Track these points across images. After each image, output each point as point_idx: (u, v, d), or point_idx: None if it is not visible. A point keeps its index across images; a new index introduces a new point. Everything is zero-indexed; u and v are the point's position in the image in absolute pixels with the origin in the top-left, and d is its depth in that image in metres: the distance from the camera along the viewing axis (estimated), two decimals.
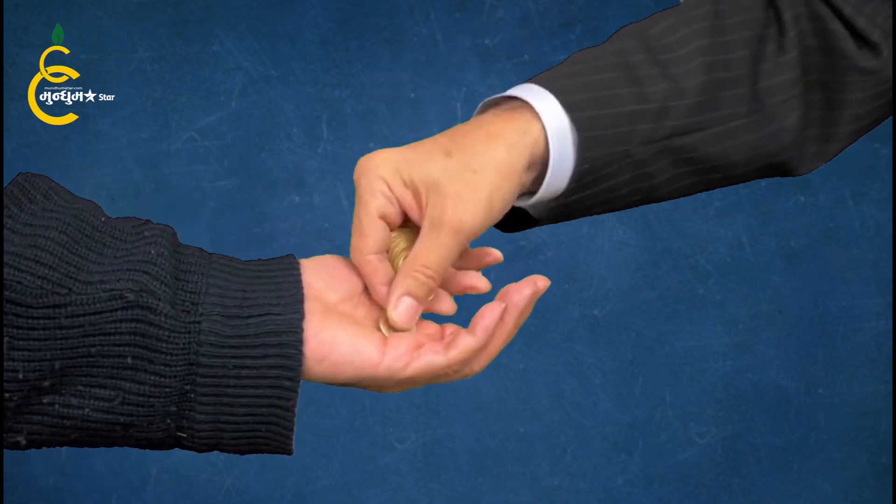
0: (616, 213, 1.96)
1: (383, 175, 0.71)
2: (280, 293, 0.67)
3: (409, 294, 0.71)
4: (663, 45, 0.81)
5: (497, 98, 0.78)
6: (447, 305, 0.74)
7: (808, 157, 0.86)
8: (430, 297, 0.72)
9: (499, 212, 0.73)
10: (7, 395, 0.62)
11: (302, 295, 0.68)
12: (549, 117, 0.75)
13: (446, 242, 0.71)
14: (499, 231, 0.84)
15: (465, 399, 1.94)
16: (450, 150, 0.72)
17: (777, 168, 0.86)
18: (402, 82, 1.91)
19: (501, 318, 0.69)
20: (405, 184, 0.71)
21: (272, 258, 0.71)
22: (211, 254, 0.69)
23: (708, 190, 0.86)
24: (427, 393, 1.93)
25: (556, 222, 0.83)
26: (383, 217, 0.72)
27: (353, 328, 0.68)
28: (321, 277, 0.71)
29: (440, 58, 1.92)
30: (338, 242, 1.88)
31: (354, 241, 0.72)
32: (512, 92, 0.77)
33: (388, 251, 0.73)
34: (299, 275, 0.69)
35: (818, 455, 1.99)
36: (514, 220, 0.83)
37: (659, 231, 1.97)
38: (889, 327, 1.99)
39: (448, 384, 1.93)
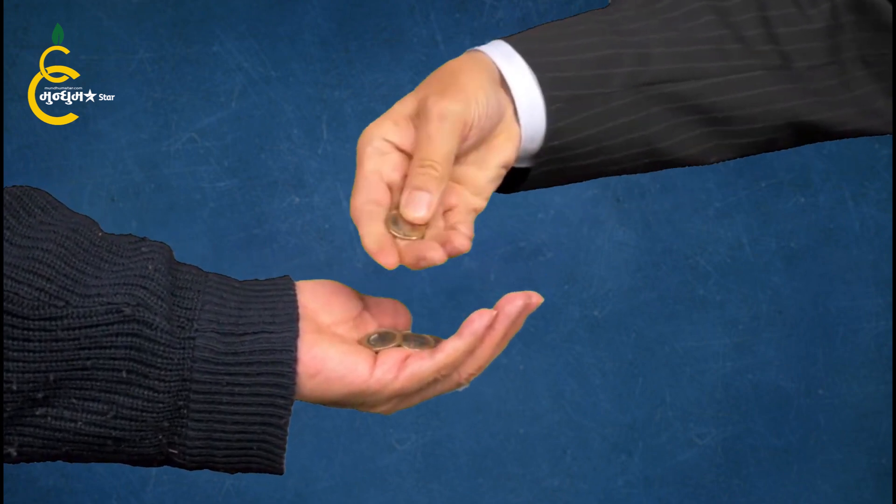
0: (616, 213, 1.97)
1: (374, 132, 0.74)
2: (275, 312, 0.67)
3: (417, 188, 0.71)
4: (659, 7, 0.82)
5: None
6: (462, 240, 0.71)
7: (875, 126, 0.86)
8: (442, 188, 0.71)
9: (479, 100, 0.73)
10: None
11: (297, 314, 0.68)
12: (500, 58, 0.77)
13: (437, 129, 0.71)
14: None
15: (465, 400, 1.94)
16: (421, 84, 0.76)
17: (815, 130, 0.85)
18: (402, 83, 1.91)
19: (491, 325, 0.69)
20: (397, 123, 0.74)
21: (268, 279, 0.71)
22: (207, 272, 0.69)
23: (733, 150, 0.84)
24: None
25: (563, 181, 0.83)
26: (375, 173, 0.73)
27: (343, 346, 0.68)
28: (317, 300, 0.71)
29: (440, 58, 1.92)
30: (338, 243, 1.88)
31: (351, 199, 0.73)
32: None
33: (387, 210, 0.73)
34: (295, 295, 0.69)
35: (818, 456, 1.99)
36: (515, 182, 0.83)
37: (659, 232, 1.97)
38: (889, 328, 1.99)
39: None
